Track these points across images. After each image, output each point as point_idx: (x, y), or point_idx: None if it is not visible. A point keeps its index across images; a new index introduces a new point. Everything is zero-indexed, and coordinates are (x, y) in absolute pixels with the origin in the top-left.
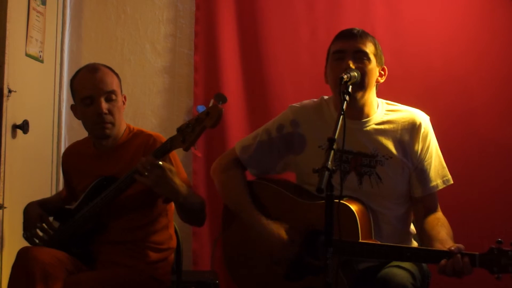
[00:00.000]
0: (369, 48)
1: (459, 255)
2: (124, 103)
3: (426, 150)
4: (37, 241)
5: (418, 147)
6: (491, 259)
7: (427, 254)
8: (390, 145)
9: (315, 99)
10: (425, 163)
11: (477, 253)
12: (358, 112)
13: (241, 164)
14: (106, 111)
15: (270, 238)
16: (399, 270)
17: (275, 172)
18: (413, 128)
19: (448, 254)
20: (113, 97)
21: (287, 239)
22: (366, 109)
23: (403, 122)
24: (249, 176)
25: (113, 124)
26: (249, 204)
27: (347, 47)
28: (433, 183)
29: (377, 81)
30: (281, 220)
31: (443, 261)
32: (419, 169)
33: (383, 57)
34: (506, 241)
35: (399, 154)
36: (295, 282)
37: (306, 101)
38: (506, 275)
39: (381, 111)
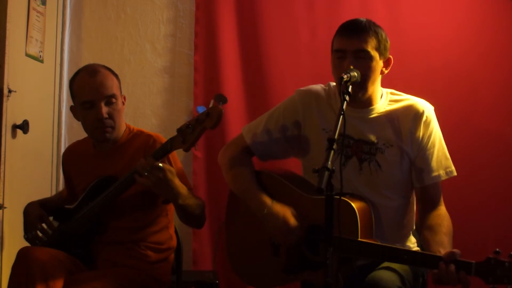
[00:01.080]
0: (371, 44)
1: (443, 266)
2: (124, 104)
3: (428, 138)
4: (38, 242)
5: (420, 133)
6: (487, 269)
7: (424, 259)
8: (391, 134)
9: (322, 84)
10: (427, 152)
11: (473, 261)
12: (360, 102)
13: (249, 152)
14: (107, 116)
15: (275, 220)
16: (387, 273)
17: (284, 159)
18: (416, 116)
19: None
20: (113, 100)
21: (292, 222)
22: (369, 99)
23: (406, 110)
24: (257, 163)
25: (113, 127)
26: (256, 189)
27: (347, 47)
28: (435, 173)
29: (382, 72)
30: None
31: (436, 274)
32: (421, 158)
33: (388, 45)
34: (508, 235)
35: (400, 143)
36: (293, 275)
37: (313, 85)
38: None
39: (385, 100)
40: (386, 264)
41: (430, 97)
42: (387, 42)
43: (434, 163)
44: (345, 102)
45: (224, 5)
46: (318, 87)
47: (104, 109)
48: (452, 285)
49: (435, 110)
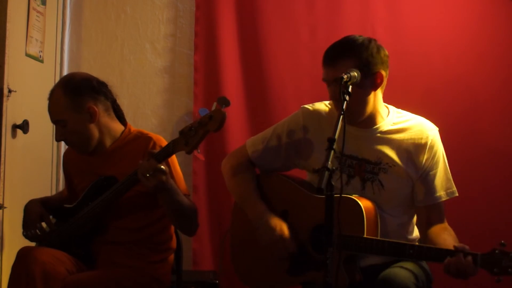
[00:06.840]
0: (348, 67)
1: (461, 254)
2: (93, 115)
3: (431, 161)
4: (36, 240)
5: (424, 157)
6: (493, 259)
7: (429, 252)
8: (394, 154)
9: (327, 103)
10: (430, 173)
11: (479, 253)
12: (365, 120)
13: (252, 163)
14: (60, 139)
15: (270, 232)
16: (402, 270)
17: (285, 171)
18: (420, 139)
19: (450, 252)
20: (62, 124)
21: (286, 236)
22: (373, 117)
23: (410, 132)
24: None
25: (77, 145)
26: (256, 199)
27: (327, 77)
28: (437, 194)
29: (374, 89)
30: (288, 213)
31: (447, 260)
32: (423, 179)
33: (378, 59)
34: (509, 243)
35: (403, 164)
36: (297, 276)
37: (318, 104)
38: (507, 278)
39: (390, 120)
40: (398, 264)
41: (429, 96)
42: (372, 56)
43: (436, 185)
44: (346, 102)
45: (224, 5)
46: (322, 106)
47: (57, 133)
48: (465, 277)
49: (434, 109)
